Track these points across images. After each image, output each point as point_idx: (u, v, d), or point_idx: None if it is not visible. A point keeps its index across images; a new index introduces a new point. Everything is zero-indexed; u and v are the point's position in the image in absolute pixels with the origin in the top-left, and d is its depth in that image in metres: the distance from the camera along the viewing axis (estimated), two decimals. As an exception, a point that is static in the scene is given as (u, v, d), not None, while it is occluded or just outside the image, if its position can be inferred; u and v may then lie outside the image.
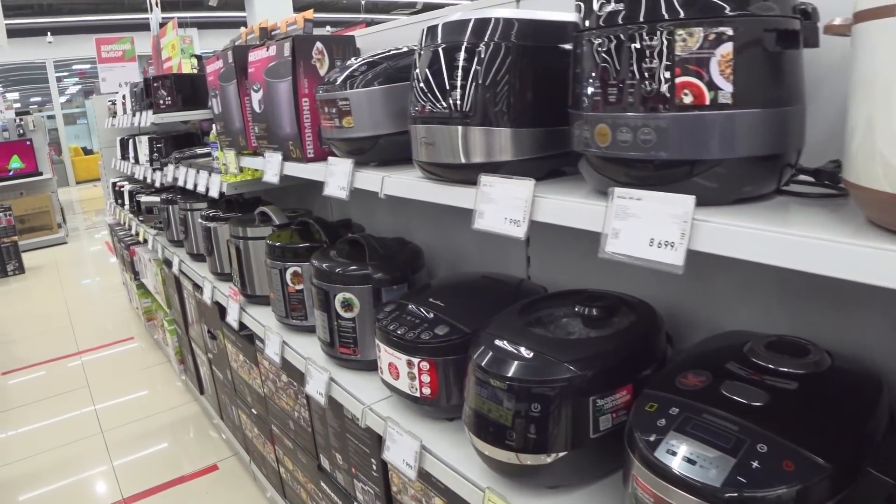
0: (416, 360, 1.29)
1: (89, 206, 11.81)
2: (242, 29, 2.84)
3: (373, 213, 2.23)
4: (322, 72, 1.65)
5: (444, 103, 1.11)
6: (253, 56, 1.80)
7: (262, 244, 2.05)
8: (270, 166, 1.80)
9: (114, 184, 4.84)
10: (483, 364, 1.10)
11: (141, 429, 3.30)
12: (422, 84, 1.15)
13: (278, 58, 1.65)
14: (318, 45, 1.63)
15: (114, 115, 4.73)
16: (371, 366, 1.59)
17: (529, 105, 1.11)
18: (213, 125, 2.33)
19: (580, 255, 1.53)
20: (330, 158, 1.50)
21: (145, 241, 3.79)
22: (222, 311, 2.41)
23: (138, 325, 4.82)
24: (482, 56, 1.07)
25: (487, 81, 1.08)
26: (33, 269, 7.04)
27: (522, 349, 1.10)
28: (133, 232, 4.17)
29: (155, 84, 3.15)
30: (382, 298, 1.52)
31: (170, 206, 3.10)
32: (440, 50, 1.12)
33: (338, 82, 1.41)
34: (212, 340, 2.67)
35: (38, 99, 17.74)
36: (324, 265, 1.56)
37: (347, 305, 1.52)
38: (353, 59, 1.52)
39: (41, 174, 7.96)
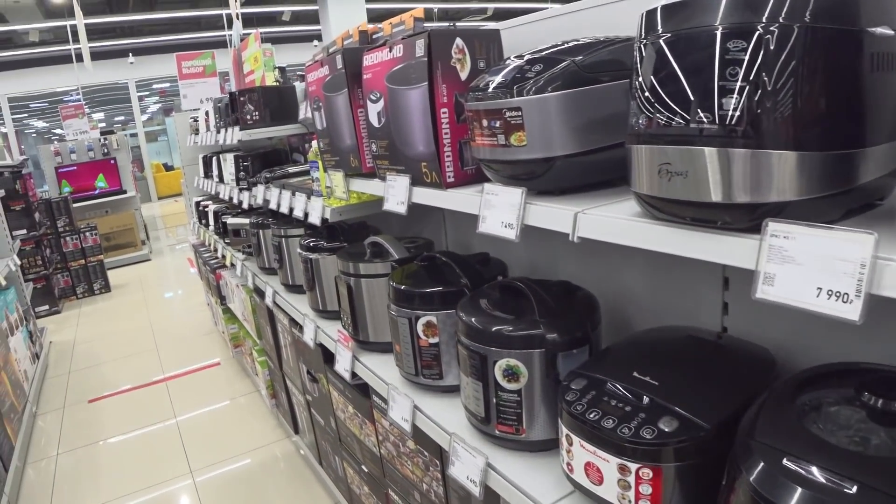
0: (634, 466, 0.92)
1: (171, 221, 12.07)
2: (314, 41, 2.57)
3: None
4: (463, 75, 1.31)
5: (700, 116, 0.75)
6: (370, 59, 1.49)
7: (379, 283, 1.74)
8: (395, 192, 1.48)
9: (197, 203, 4.71)
10: (777, 501, 0.73)
11: (233, 469, 3.07)
12: (656, 89, 0.80)
13: (407, 59, 1.33)
14: (459, 41, 1.29)
15: (196, 132, 4.60)
16: (536, 447, 1.24)
17: (826, 118, 0.74)
18: (316, 141, 2.04)
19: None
20: (487, 186, 1.16)
21: (232, 265, 3.59)
22: (327, 353, 2.12)
23: (224, 348, 4.66)
24: (764, 45, 0.72)
25: (771, 83, 0.72)
26: (119, 287, 7.10)
27: (828, 475, 0.73)
28: (219, 255, 4.00)
29: (241, 98, 2.93)
30: (559, 367, 1.17)
31: (261, 231, 2.86)
32: (690, 38, 0.76)
33: (498, 87, 1.06)
34: (312, 383, 2.40)
35: (121, 118, 18.47)
36: (477, 321, 1.22)
37: (512, 375, 1.17)
38: (509, 57, 1.17)
39: (125, 192, 8.07)
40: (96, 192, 7.89)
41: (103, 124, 15.33)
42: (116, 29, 13.15)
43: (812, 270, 0.70)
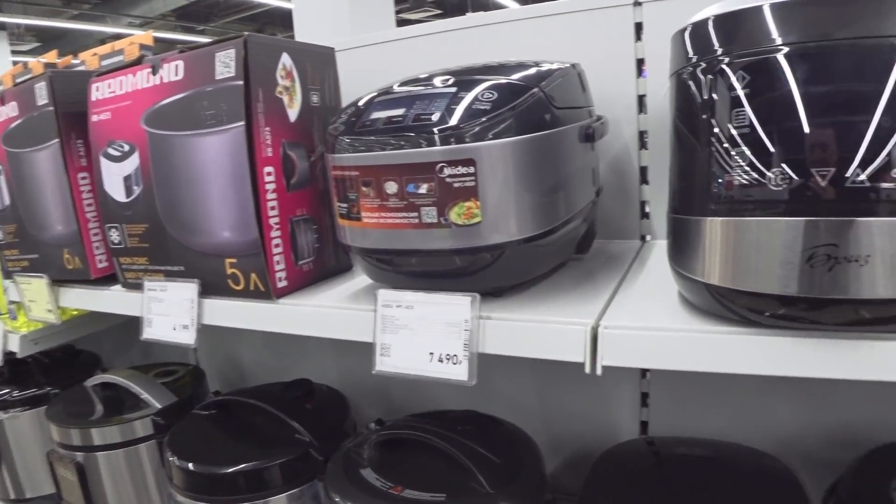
0: None
1: None
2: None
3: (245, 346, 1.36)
4: (292, 115, 0.81)
5: None
6: (104, 89, 0.88)
7: (136, 454, 1.07)
8: (167, 310, 0.88)
9: None
10: None
11: None
12: (804, 133, 0.47)
13: (192, 85, 0.78)
14: (286, 59, 0.79)
15: None
16: None
17: None
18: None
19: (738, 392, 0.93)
20: (385, 293, 0.68)
21: None
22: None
23: None
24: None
25: None
26: None
27: None
28: None
29: None
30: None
31: None
32: (857, 54, 0.46)
33: (419, 125, 0.61)
34: None
35: None
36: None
37: None
38: (390, 86, 0.72)
39: None
40: None
41: None
42: None
43: None
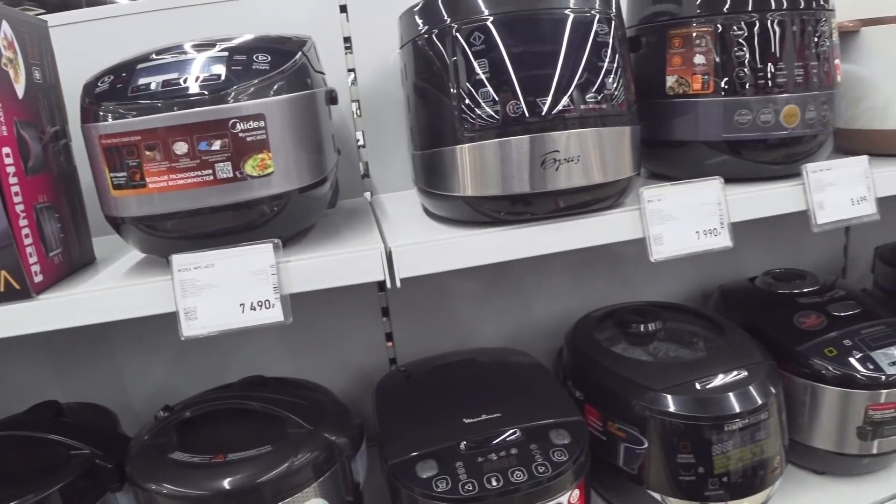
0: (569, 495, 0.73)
1: None
2: None
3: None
4: (19, 90, 0.74)
5: (590, 97, 0.67)
6: None
7: None
8: None
9: None
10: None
11: None
12: (522, 72, 0.66)
13: None
14: (6, 28, 0.72)
15: None
16: None
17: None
18: None
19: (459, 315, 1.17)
20: (181, 258, 0.68)
21: None
22: None
23: None
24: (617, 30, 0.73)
25: (623, 67, 0.73)
26: None
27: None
28: None
29: None
30: (357, 474, 0.82)
31: None
32: (554, 20, 0.68)
33: (207, 86, 0.64)
34: None
35: None
36: (223, 485, 0.72)
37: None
38: (156, 51, 0.72)
39: None
40: None
41: None
42: None
43: (686, 220, 0.75)
